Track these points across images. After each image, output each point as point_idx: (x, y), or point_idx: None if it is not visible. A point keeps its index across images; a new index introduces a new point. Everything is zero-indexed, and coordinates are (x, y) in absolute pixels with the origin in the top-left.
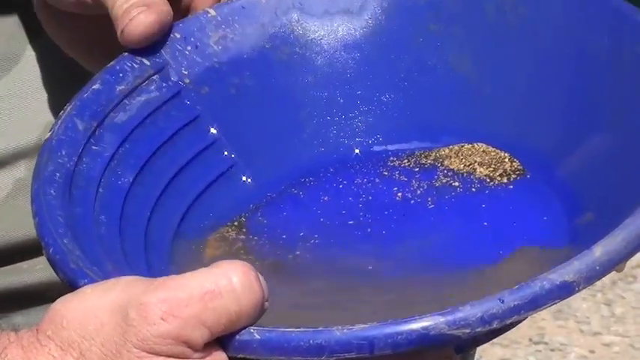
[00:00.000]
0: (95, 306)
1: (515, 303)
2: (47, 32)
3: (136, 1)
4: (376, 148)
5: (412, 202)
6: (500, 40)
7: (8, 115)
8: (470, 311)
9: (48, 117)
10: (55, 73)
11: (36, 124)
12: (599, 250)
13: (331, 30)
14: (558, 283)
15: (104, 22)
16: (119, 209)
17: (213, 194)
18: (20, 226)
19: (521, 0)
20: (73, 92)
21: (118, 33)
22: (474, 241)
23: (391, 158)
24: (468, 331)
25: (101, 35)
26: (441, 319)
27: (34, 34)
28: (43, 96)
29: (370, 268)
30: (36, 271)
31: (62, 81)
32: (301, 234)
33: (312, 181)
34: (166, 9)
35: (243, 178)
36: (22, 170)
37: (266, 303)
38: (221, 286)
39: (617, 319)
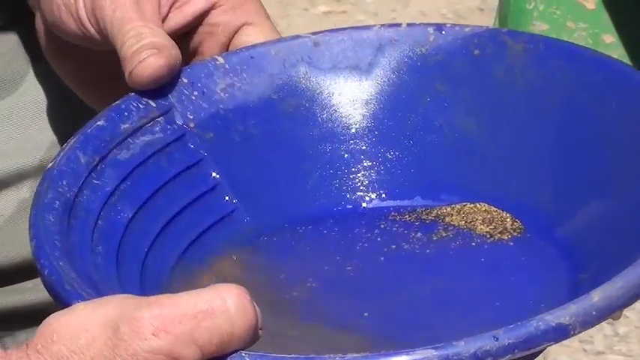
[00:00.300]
0: (87, 320)
1: (510, 341)
2: (49, 62)
3: (146, 43)
4: (378, 204)
5: (410, 252)
6: (507, 102)
7: (11, 136)
8: (463, 347)
9: (50, 138)
10: (58, 96)
11: (39, 145)
12: (597, 296)
13: (338, 85)
14: (554, 324)
15: (108, 57)
16: (117, 242)
17: (212, 237)
18: (24, 246)
19: (530, 64)
20: (76, 115)
21: (126, 73)
22: (471, 290)
23: (392, 213)
24: None
25: (103, 71)
26: (434, 352)
27: (37, 56)
28: (46, 118)
29: (366, 314)
30: (40, 290)
31: (65, 103)
32: (299, 277)
33: (312, 230)
34: (175, 53)
35: (244, 223)
36: (26, 191)
37: (259, 331)
38: (215, 306)
39: (621, 338)
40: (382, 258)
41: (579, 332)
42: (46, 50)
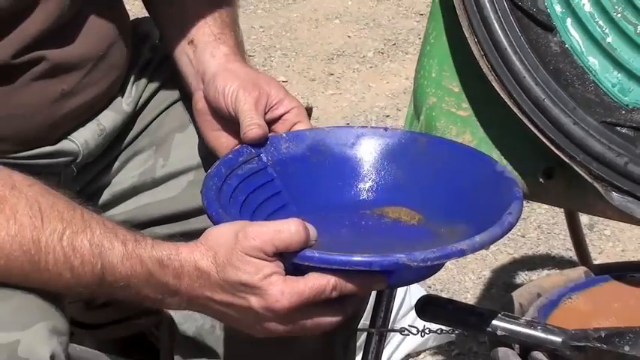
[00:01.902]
0: (223, 231)
1: (439, 254)
2: (196, 117)
3: (254, 122)
4: (359, 205)
5: (372, 225)
6: (417, 165)
7: (186, 147)
8: (419, 255)
9: (206, 151)
10: None
11: (199, 153)
12: (479, 238)
13: (339, 151)
14: (459, 248)
15: (232, 125)
16: (238, 214)
17: (275, 217)
18: (195, 200)
19: (429, 148)
20: None
21: (242, 134)
22: (400, 239)
23: (361, 211)
24: (420, 264)
25: (227, 131)
26: (404, 257)
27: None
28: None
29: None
30: (203, 221)
31: None
32: (325, 228)
33: (327, 214)
34: (266, 130)
35: (293, 210)
36: (192, 176)
37: (313, 242)
38: (283, 228)
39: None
40: (363, 222)
41: (469, 254)
42: (197, 112)
